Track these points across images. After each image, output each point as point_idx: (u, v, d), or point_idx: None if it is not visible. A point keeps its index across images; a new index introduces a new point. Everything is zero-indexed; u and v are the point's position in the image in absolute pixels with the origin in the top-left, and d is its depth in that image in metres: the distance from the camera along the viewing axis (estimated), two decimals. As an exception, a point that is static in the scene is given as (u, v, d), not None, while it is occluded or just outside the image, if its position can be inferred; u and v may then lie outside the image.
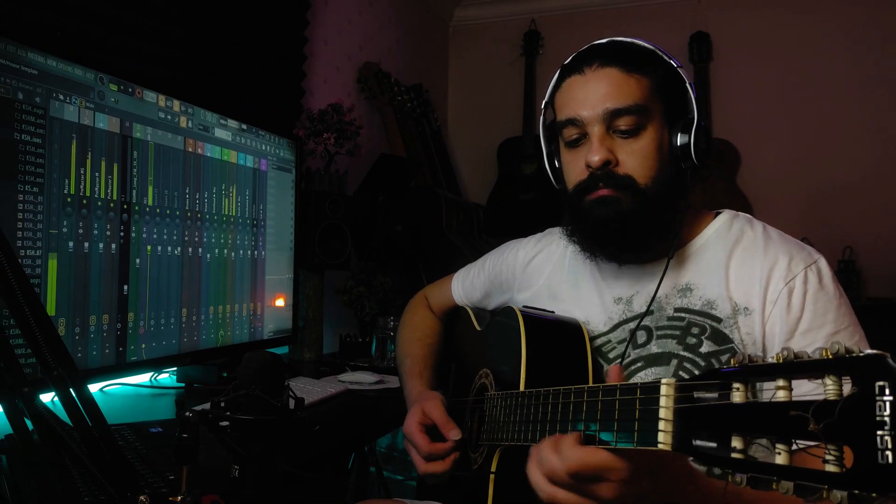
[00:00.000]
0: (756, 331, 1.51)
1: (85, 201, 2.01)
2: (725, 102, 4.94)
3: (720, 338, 1.52)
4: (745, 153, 4.91)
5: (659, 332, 1.59)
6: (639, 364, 1.59)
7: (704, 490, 1.22)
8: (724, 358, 1.51)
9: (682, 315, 1.57)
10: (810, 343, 1.46)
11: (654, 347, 1.58)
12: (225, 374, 2.56)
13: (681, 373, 1.54)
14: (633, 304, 1.65)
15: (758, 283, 1.52)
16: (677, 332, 1.56)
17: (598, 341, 1.66)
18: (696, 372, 1.52)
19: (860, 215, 4.63)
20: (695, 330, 1.55)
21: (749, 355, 0.84)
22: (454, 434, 1.64)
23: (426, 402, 1.74)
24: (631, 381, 1.51)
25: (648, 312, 1.61)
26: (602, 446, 1.12)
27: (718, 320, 1.53)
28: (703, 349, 1.52)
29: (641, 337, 1.61)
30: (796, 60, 4.85)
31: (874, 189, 4.62)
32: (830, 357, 0.74)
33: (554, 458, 1.16)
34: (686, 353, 1.54)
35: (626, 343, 1.61)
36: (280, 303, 2.95)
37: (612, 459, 1.11)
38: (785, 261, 1.52)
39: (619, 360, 1.60)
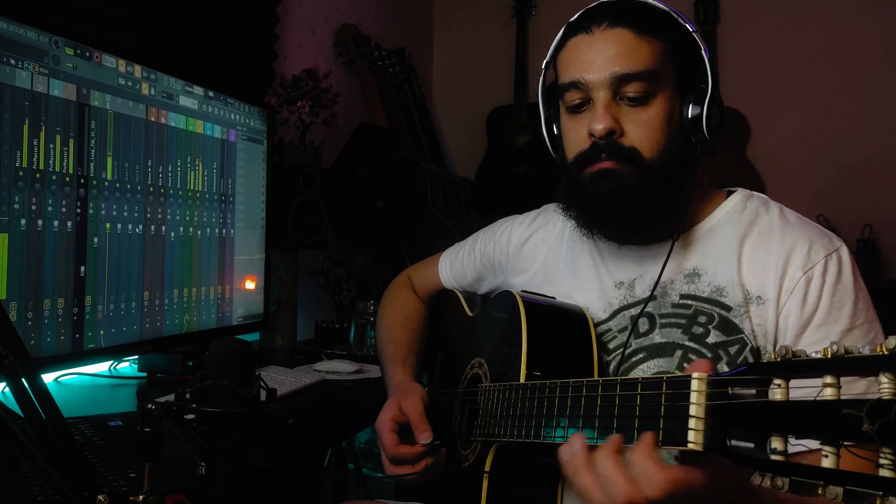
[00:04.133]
0: (769, 322, 1.49)
1: (38, 175, 1.98)
2: (734, 68, 4.90)
3: (729, 328, 1.51)
4: (756, 123, 4.87)
5: (663, 321, 1.57)
6: (641, 355, 1.57)
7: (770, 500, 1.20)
8: (732, 349, 1.50)
9: (689, 302, 1.56)
10: (823, 338, 1.45)
11: (657, 337, 1.57)
12: (190, 363, 2.55)
13: (685, 364, 1.52)
14: (634, 288, 1.64)
15: (773, 271, 1.50)
16: (682, 321, 1.55)
17: (598, 329, 1.64)
18: None
19: (880, 191, 4.58)
20: (702, 318, 1.53)
21: (792, 349, 0.82)
22: (424, 438, 1.64)
23: (405, 397, 1.73)
24: (632, 374, 1.52)
25: (651, 298, 1.58)
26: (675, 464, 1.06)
27: (728, 309, 1.52)
28: (711, 339, 1.51)
29: (643, 325, 1.59)
30: (811, 24, 4.80)
31: (896, 163, 4.60)
32: (886, 353, 0.72)
33: (626, 482, 1.07)
34: (692, 344, 1.53)
35: (627, 332, 1.59)
36: (250, 285, 2.94)
37: (695, 479, 1.03)
38: (804, 247, 1.50)
39: (621, 350, 1.59)
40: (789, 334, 1.48)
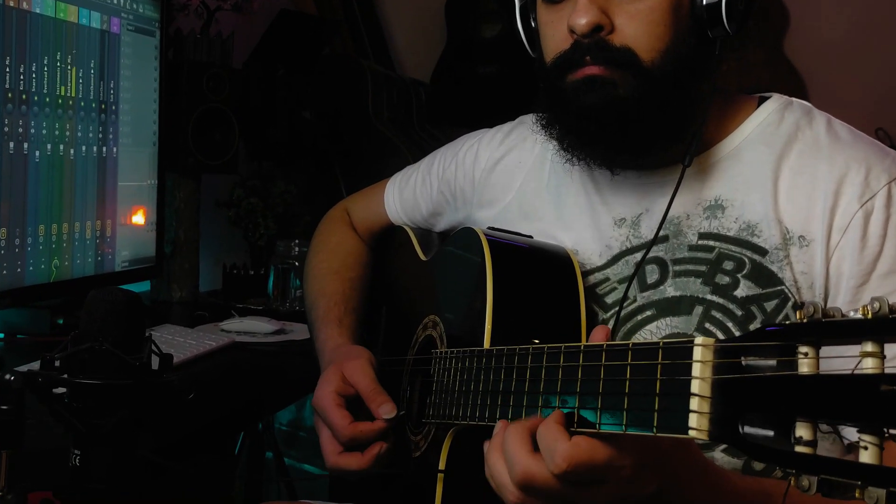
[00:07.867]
0: (816, 269, 1.48)
1: None
2: (765, -65, 4.88)
3: (765, 277, 1.50)
4: (797, 11, 4.83)
5: (677, 268, 1.57)
6: (648, 313, 1.57)
7: (730, 491, 1.22)
8: (769, 305, 1.49)
9: (711, 243, 1.55)
10: (893, 290, 1.43)
11: (670, 289, 1.57)
12: (61, 321, 2.58)
13: (707, 325, 1.52)
14: (640, 227, 1.63)
15: (821, 203, 1.49)
16: (703, 268, 1.54)
17: (591, 279, 1.64)
18: (731, 324, 1.51)
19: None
20: (728, 265, 1.52)
21: (822, 307, 0.81)
22: (386, 410, 1.60)
23: (348, 362, 1.70)
24: (636, 337, 1.51)
25: (662, 239, 1.58)
26: (593, 433, 1.08)
27: (762, 252, 1.51)
28: (740, 292, 1.51)
29: (652, 274, 1.59)
30: None
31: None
32: (942, 312, 0.71)
33: (531, 459, 1.11)
34: (715, 298, 1.52)
35: (630, 282, 1.59)
36: (139, 220, 2.93)
37: (614, 454, 1.07)
38: (860, 171, 1.48)
39: (619, 306, 1.58)
40: (844, 286, 1.47)
